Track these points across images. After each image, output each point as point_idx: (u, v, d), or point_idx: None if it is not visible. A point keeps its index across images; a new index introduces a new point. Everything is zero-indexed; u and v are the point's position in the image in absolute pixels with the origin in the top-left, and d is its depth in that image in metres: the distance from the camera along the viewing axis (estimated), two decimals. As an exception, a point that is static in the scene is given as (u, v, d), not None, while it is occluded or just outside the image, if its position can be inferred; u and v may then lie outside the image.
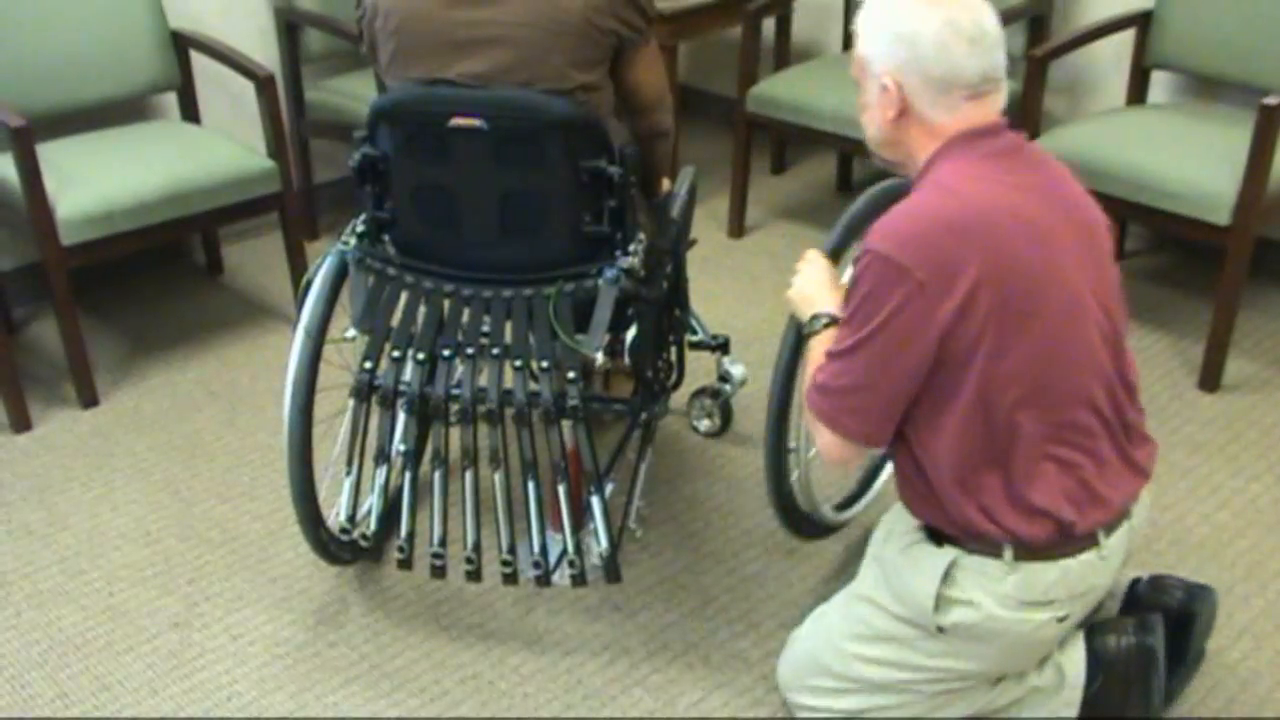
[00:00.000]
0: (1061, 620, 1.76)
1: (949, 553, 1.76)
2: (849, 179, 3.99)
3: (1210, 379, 2.83)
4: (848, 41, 3.77)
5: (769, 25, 3.79)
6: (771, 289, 3.35)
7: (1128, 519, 1.78)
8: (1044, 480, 1.69)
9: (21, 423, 2.78)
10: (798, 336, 1.92)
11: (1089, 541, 1.73)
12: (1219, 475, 2.57)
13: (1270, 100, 2.54)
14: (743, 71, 3.45)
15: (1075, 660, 1.87)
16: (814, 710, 1.92)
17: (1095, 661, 1.86)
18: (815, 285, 1.87)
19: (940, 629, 1.76)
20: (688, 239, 2.40)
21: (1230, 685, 2.05)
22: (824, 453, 1.74)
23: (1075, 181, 1.76)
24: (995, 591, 1.73)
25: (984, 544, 1.73)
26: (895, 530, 1.88)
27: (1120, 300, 1.77)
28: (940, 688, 1.83)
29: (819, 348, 1.78)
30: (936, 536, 1.80)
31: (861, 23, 1.71)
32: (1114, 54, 3.31)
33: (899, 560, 1.81)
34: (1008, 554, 1.71)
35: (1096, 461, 1.72)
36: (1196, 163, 2.75)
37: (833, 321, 1.79)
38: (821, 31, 4.01)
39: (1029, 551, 1.71)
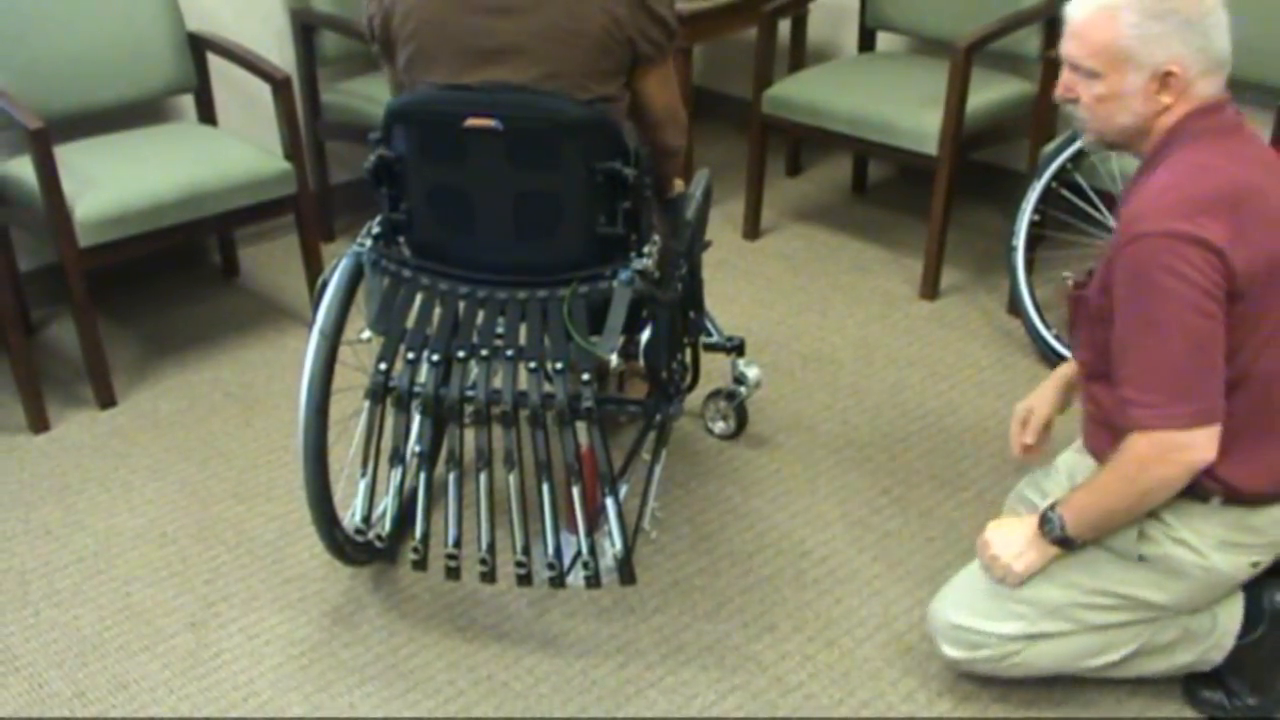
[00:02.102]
0: (1254, 565, 1.85)
1: None
2: (864, 181, 3.98)
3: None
4: (863, 43, 3.76)
5: (784, 27, 3.79)
6: (786, 291, 3.35)
7: None
8: (1276, 438, 1.78)
9: (40, 423, 2.79)
10: (1057, 542, 1.86)
11: None
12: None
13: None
14: (758, 73, 3.44)
15: (1232, 607, 1.93)
16: (967, 630, 1.91)
17: (1258, 613, 1.92)
18: (1014, 538, 1.89)
19: (1141, 557, 1.83)
20: (703, 241, 2.40)
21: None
22: (1201, 460, 1.71)
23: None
24: (1204, 531, 1.80)
25: (1194, 489, 1.77)
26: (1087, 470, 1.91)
27: None
28: (1113, 618, 1.88)
29: (1077, 494, 1.83)
30: None
31: (1118, 12, 1.68)
32: (1131, 55, 3.29)
33: None
34: (1215, 500, 1.79)
35: None
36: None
37: (1051, 509, 1.85)
38: (837, 33, 4.00)
39: (1240, 498, 1.79)
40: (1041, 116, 3.05)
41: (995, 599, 1.89)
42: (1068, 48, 1.74)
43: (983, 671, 1.95)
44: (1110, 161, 2.86)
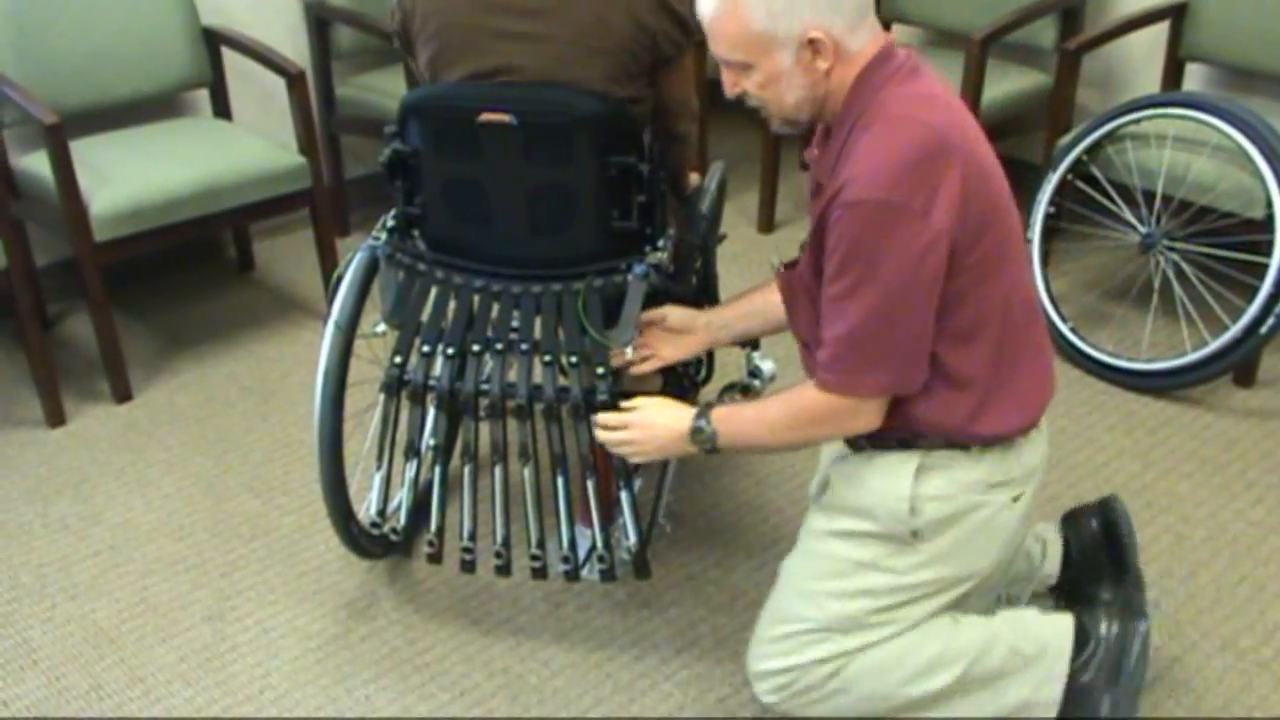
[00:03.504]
0: (1016, 500, 1.80)
1: (914, 455, 1.77)
2: (879, 173, 3.96)
3: None
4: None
5: (798, 19, 3.77)
6: (801, 284, 3.34)
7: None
8: (1031, 374, 1.76)
9: (56, 417, 2.80)
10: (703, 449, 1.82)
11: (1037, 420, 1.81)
12: (1254, 471, 2.54)
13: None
14: (772, 66, 3.43)
15: (1060, 631, 1.88)
16: (779, 674, 1.83)
17: (1084, 636, 1.88)
18: (660, 424, 1.85)
19: (915, 533, 1.77)
20: (717, 234, 2.40)
21: (1263, 683, 2.03)
22: (865, 427, 1.71)
23: None
24: (965, 480, 1.76)
25: (952, 441, 1.75)
26: (845, 449, 1.87)
27: None
28: (916, 611, 1.80)
29: (739, 419, 1.79)
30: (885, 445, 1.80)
31: (739, 4, 1.61)
32: (1148, 46, 3.28)
33: (863, 471, 1.80)
34: (975, 446, 1.75)
35: (1042, 348, 1.81)
36: None
37: (706, 410, 1.80)
38: (851, 25, 3.99)
39: (998, 441, 1.76)
40: (1057, 108, 3.03)
41: (795, 624, 1.83)
42: (712, 49, 1.69)
43: (808, 710, 1.85)
44: (1127, 154, 2.85)
